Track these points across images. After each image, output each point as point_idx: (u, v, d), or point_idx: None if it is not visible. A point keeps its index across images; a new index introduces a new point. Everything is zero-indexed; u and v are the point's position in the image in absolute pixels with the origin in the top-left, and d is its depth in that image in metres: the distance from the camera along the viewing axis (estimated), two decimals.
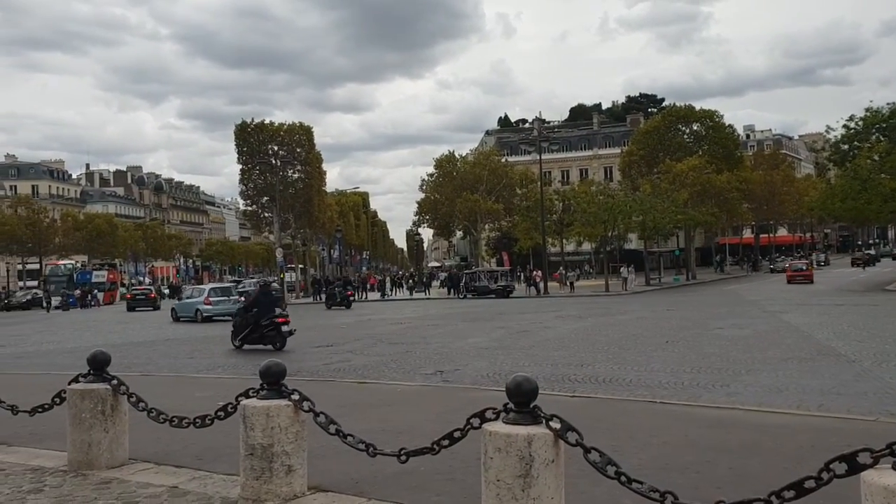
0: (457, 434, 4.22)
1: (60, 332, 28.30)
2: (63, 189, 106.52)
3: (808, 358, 12.64)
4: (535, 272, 53.45)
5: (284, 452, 4.86)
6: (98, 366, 5.97)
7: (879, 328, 17.74)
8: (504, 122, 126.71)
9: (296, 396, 4.91)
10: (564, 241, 61.48)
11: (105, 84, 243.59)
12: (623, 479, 3.65)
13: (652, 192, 54.85)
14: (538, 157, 54.03)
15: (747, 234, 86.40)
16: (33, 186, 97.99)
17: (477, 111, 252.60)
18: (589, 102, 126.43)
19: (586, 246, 66.07)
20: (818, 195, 54.75)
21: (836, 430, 6.95)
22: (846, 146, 42.60)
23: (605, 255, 58.81)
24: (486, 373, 12.21)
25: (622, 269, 51.37)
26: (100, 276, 67.84)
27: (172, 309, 33.67)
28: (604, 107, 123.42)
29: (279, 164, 56.31)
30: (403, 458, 4.47)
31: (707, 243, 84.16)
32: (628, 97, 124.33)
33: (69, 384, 6.04)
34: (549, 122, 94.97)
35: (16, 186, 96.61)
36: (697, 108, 70.61)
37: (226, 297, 31.44)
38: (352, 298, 40.97)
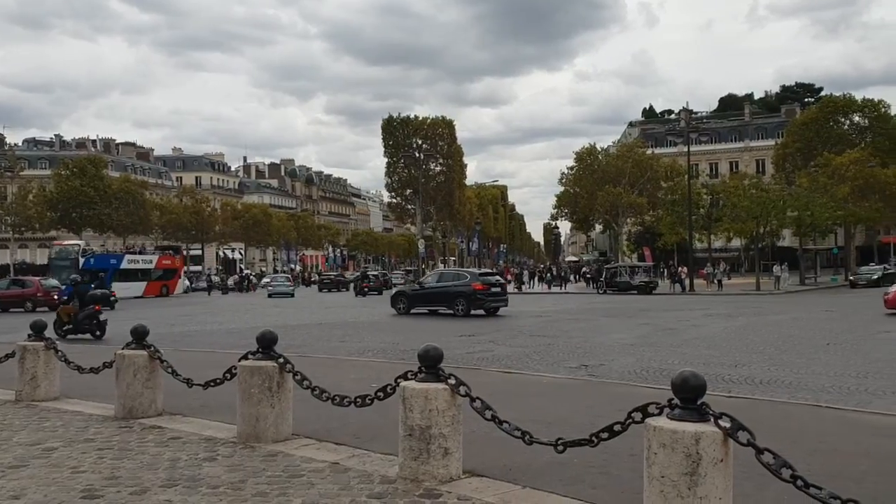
0: (617, 427, 4.16)
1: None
2: (223, 180, 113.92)
3: None
4: (680, 268, 51.67)
5: (441, 435, 4.96)
6: (266, 344, 6.33)
7: None
8: (648, 113, 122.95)
9: (452, 381, 5.00)
10: (712, 236, 58.95)
11: (258, 81, 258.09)
12: (800, 482, 3.46)
13: (809, 186, 51.58)
14: (685, 149, 52.07)
15: None
16: (196, 178, 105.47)
17: (617, 103, 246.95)
18: (739, 93, 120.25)
19: (735, 242, 63.09)
20: None
21: None
22: None
23: (756, 252, 55.83)
24: (632, 369, 11.93)
25: (775, 268, 48.67)
26: (144, 261, 54.64)
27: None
28: (755, 97, 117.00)
29: (423, 157, 57.49)
30: (560, 447, 4.45)
31: (868, 241, 78.04)
32: (783, 87, 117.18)
33: (239, 361, 6.43)
34: (696, 113, 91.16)
35: (181, 178, 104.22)
36: (859, 98, 65.78)
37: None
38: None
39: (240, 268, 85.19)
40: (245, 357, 6.46)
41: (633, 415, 3.96)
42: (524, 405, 7.82)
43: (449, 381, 5.01)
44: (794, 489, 3.39)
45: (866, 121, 64.13)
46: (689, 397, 3.76)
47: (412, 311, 27.23)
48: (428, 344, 5.20)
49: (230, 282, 65.05)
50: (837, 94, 69.29)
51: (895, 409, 8.09)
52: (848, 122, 65.29)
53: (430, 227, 60.93)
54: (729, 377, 10.71)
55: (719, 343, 15.88)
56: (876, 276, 46.80)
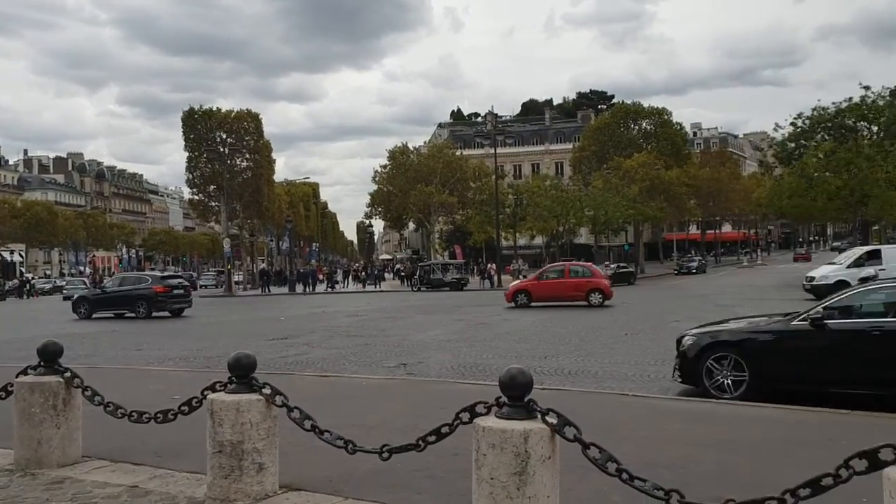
0: (445, 430, 4.00)
1: None
2: None
3: None
4: (489, 265, 53.61)
5: (255, 450, 4.57)
6: (50, 357, 5.56)
7: None
8: (457, 115, 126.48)
9: (268, 390, 4.61)
10: (517, 234, 61.70)
11: (40, 68, 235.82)
12: (625, 475, 3.47)
13: (603, 187, 55.42)
14: (492, 151, 54.03)
15: (693, 229, 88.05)
16: None
17: (426, 104, 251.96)
18: (539, 98, 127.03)
19: (538, 240, 66.48)
20: (766, 192, 56.03)
21: (803, 423, 6.93)
22: (793, 144, 43.56)
23: (556, 248, 59.19)
24: (450, 365, 12.01)
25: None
26: None
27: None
28: (555, 103, 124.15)
29: (227, 152, 55.11)
30: (386, 454, 4.22)
31: (654, 238, 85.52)
32: (579, 94, 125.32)
33: (17, 377, 5.61)
34: (501, 117, 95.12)
35: None
36: (646, 105, 71.90)
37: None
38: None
39: (20, 271, 77.20)
40: (24, 372, 5.64)
41: (460, 415, 3.82)
42: (344, 410, 7.53)
43: (264, 390, 4.62)
44: (617, 481, 3.40)
45: (652, 127, 70.08)
46: (516, 395, 3.68)
47: (93, 315, 27.17)
48: (239, 352, 4.77)
49: (7, 286, 58.98)
50: (627, 102, 75.22)
51: (692, 395, 8.69)
52: (637, 127, 71.05)
53: (237, 225, 58.55)
54: (540, 369, 11.05)
55: (529, 336, 16.47)
56: (695, 266, 57.82)
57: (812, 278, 27.09)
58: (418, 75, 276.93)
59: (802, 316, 8.42)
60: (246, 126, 55.77)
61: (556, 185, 58.41)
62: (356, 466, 5.14)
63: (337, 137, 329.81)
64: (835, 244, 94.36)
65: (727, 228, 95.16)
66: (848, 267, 26.31)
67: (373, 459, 4.23)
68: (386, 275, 68.41)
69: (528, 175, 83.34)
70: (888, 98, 39.83)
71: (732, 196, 75.75)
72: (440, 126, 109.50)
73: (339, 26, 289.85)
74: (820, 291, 24.23)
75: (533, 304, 26.64)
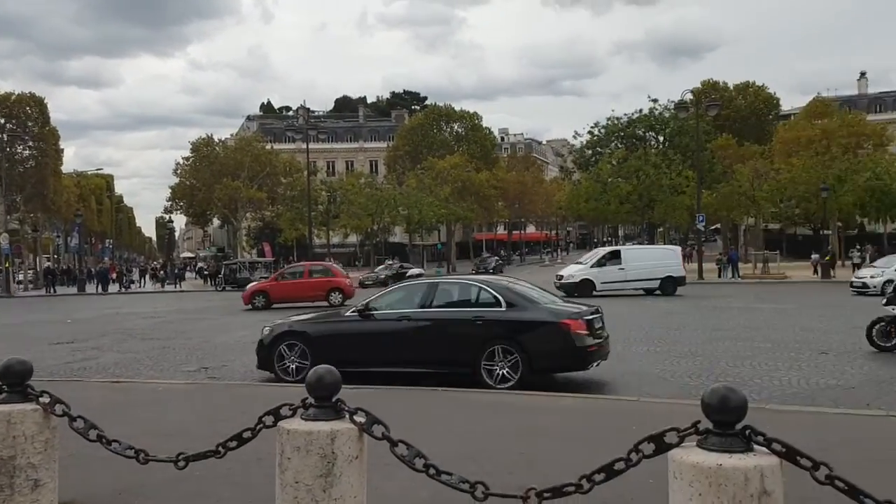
0: (247, 434, 3.79)
1: None
2: None
3: None
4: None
5: (30, 465, 4.09)
6: None
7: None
8: (267, 108, 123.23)
9: (45, 399, 4.15)
10: (331, 232, 61.14)
11: None
12: (432, 471, 3.47)
13: (417, 187, 56.36)
14: (304, 146, 53.15)
15: (501, 230, 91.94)
16: None
17: (233, 95, 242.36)
18: (353, 95, 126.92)
19: (352, 238, 66.32)
20: (566, 196, 59.67)
21: (600, 410, 7.38)
22: (590, 151, 46.77)
23: (370, 247, 59.39)
24: (255, 367, 11.58)
25: (387, 261, 52.25)
26: None
27: None
28: (369, 101, 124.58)
29: (7, 138, 49.88)
30: (182, 463, 3.93)
31: (465, 238, 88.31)
32: (392, 93, 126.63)
33: None
34: (314, 112, 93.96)
35: None
36: (457, 108, 74.10)
37: None
38: None
39: None
40: None
41: (263, 419, 3.64)
42: (138, 417, 7.01)
43: (41, 399, 4.15)
44: (425, 477, 3.39)
45: (463, 130, 72.30)
46: (324, 395, 3.57)
47: None
48: (11, 357, 4.25)
49: None
50: (440, 104, 77.06)
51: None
52: (449, 130, 72.96)
53: (17, 219, 53.14)
54: None
55: None
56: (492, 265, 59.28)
57: (561, 277, 28.89)
58: (226, 65, 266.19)
59: (353, 309, 10.30)
60: (28, 111, 50.75)
61: (371, 183, 58.60)
62: (150, 477, 4.77)
63: (135, 127, 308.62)
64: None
65: (532, 229, 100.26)
66: (591, 267, 28.36)
67: (169, 469, 3.93)
68: (187, 274, 65.08)
69: (342, 172, 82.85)
70: (673, 111, 43.81)
71: (536, 199, 79.89)
72: (249, 118, 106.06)
73: (139, 10, 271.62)
74: (567, 289, 26.23)
75: (274, 305, 26.00)
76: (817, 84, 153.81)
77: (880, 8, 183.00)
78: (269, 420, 3.60)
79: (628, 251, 29.89)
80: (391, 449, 3.49)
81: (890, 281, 23.54)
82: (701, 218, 37.77)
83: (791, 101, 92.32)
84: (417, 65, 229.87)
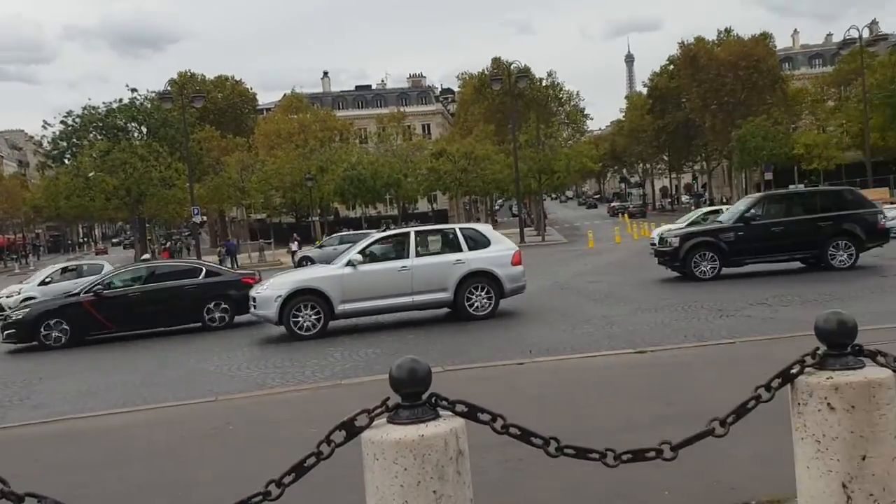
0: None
1: None
2: None
3: None
4: None
5: None
6: None
7: None
8: None
9: None
10: None
11: None
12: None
13: None
14: None
15: None
16: None
17: None
18: None
19: None
20: (41, 193, 53.08)
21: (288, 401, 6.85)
22: (65, 143, 42.46)
23: None
24: None
25: None
26: None
27: None
28: None
29: None
30: None
31: None
32: None
33: None
34: None
35: None
36: None
37: None
38: None
39: None
40: None
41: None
42: None
43: None
44: None
45: None
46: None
47: None
48: None
49: None
50: None
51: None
52: None
53: None
54: None
55: None
56: None
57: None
58: None
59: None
60: None
61: None
62: None
63: None
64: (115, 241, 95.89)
65: None
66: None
67: None
68: None
69: None
70: (156, 101, 42.32)
71: None
72: None
73: None
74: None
75: None
76: (286, 80, 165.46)
77: (338, 12, 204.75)
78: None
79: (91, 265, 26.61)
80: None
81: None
82: (196, 210, 37.40)
83: (265, 97, 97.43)
84: None
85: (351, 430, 3.03)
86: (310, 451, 3.00)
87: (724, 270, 15.37)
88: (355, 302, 11.99)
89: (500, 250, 12.77)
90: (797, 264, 16.10)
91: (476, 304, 12.33)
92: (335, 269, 12.33)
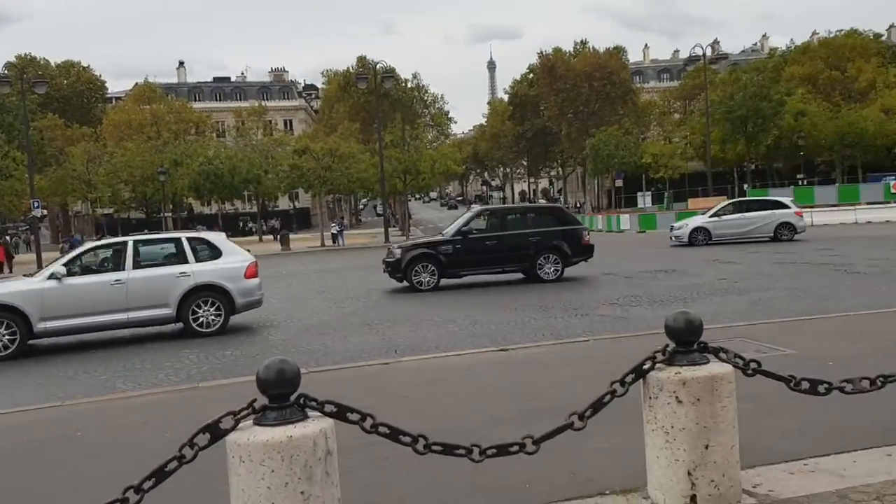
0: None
1: None
2: None
3: None
4: None
5: None
6: None
7: None
8: None
9: None
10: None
11: None
12: None
13: None
14: None
15: None
16: None
17: None
18: None
19: None
20: None
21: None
22: None
23: None
24: None
25: None
26: None
27: None
28: None
29: None
30: None
31: None
32: None
33: None
34: None
35: None
36: None
37: None
38: None
39: None
40: None
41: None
42: None
43: None
44: None
45: None
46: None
47: None
48: None
49: None
50: None
51: None
52: None
53: None
54: None
55: None
56: None
57: None
58: None
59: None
60: None
61: None
62: None
63: None
64: None
65: None
66: None
67: None
68: None
69: None
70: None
71: None
72: None
73: None
74: None
75: None
76: (138, 69, 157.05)
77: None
78: None
79: None
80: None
81: None
82: (36, 204, 34.88)
83: (115, 85, 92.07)
84: None
85: (215, 432, 2.94)
86: (171, 456, 2.89)
87: (443, 282, 16.08)
88: (59, 319, 10.84)
89: (231, 262, 11.92)
90: (519, 275, 16.93)
91: (202, 321, 11.45)
92: (35, 282, 11.12)
